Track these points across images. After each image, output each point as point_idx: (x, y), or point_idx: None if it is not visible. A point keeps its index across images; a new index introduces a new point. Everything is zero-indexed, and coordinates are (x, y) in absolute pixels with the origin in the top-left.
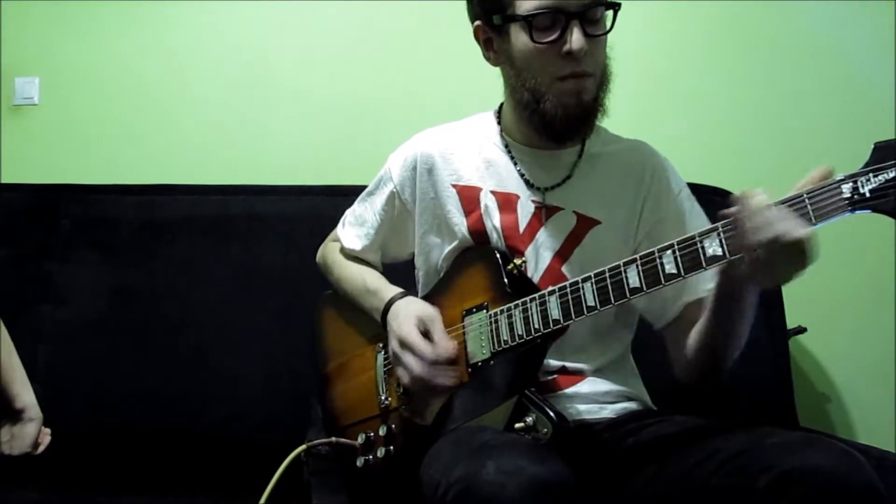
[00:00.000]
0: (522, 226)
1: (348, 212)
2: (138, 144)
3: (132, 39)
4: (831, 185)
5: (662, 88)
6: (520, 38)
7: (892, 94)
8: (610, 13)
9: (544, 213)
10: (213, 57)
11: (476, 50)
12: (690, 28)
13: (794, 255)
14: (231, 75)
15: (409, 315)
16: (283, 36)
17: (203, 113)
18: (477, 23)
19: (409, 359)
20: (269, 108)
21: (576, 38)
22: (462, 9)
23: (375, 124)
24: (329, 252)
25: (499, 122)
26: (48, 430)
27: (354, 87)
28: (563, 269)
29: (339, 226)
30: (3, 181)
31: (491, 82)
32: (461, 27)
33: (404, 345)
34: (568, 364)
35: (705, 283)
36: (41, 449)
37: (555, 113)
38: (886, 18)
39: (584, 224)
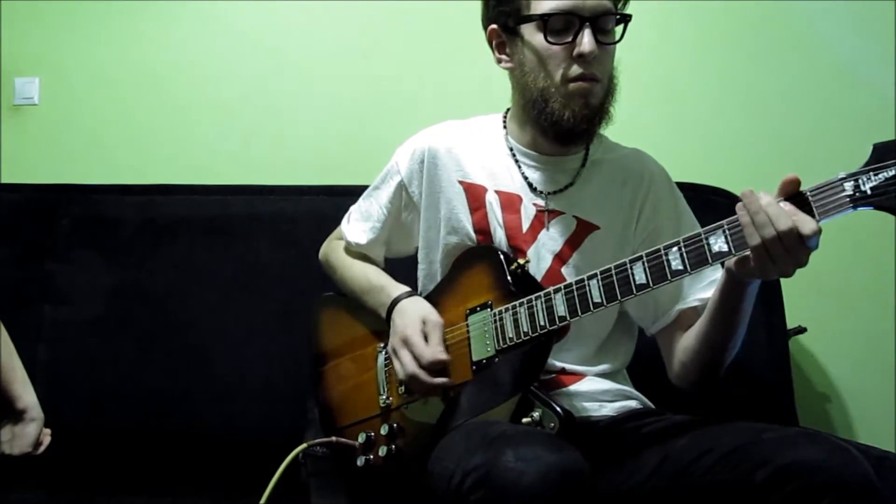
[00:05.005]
0: (525, 227)
1: (353, 208)
2: (138, 144)
3: (132, 40)
4: (833, 183)
5: (661, 88)
6: (534, 39)
7: (893, 93)
8: (620, 27)
9: (546, 216)
10: (214, 57)
11: (477, 52)
12: (689, 27)
13: (800, 250)
14: (231, 75)
15: (415, 316)
16: (284, 37)
17: (203, 113)
18: (492, 26)
19: (406, 357)
20: (269, 108)
21: (587, 41)
22: (462, 11)
23: (375, 124)
24: (332, 250)
25: (504, 127)
26: (48, 431)
27: (355, 87)
28: (563, 270)
29: (344, 221)
30: (3, 181)
31: (491, 85)
32: (461, 29)
33: (406, 342)
34: (568, 366)
35: (699, 291)
36: (42, 449)
37: (562, 114)
38: (886, 18)
39: (584, 228)
